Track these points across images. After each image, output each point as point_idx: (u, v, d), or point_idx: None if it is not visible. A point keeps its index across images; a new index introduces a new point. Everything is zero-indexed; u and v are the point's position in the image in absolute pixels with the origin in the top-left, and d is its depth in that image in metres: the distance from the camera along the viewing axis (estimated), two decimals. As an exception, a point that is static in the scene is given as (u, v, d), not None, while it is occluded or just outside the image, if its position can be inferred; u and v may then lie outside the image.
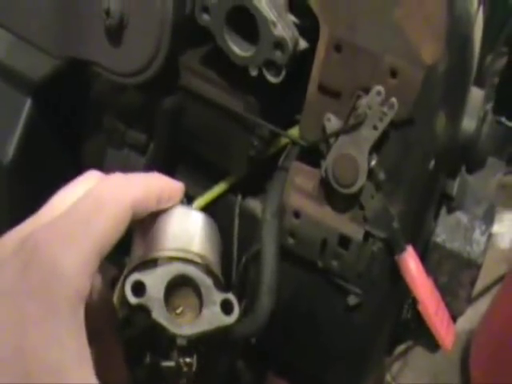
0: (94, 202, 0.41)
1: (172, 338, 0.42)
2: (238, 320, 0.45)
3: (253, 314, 0.56)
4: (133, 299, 0.41)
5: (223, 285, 0.47)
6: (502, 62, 0.90)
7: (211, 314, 0.44)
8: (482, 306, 1.68)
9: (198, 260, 0.46)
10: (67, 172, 0.63)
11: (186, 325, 0.43)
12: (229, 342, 0.50)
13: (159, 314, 0.42)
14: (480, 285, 1.75)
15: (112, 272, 0.58)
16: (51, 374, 0.35)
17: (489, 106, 0.57)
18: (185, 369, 0.42)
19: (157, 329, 0.42)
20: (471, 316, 1.68)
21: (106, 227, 0.40)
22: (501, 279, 1.72)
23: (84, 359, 0.37)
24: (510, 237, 1.76)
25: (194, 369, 0.43)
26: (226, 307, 0.44)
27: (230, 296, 0.45)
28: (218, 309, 0.44)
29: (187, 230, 0.48)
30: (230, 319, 0.44)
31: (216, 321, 0.43)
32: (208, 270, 0.46)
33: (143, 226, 0.47)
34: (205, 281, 0.44)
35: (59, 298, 0.37)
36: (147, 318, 0.42)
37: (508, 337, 1.50)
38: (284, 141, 0.59)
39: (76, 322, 0.37)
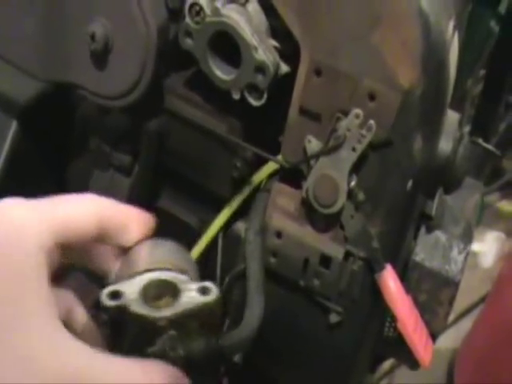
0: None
1: (153, 323, 0.43)
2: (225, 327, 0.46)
3: (244, 323, 0.56)
4: (109, 302, 0.42)
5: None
6: (481, 85, 0.92)
7: (189, 297, 0.45)
8: (466, 325, 1.68)
9: (172, 267, 0.47)
10: (53, 193, 0.64)
11: (164, 309, 0.44)
12: (222, 352, 0.51)
13: (137, 307, 0.43)
14: (464, 304, 1.76)
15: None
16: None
17: (465, 129, 0.58)
18: (171, 353, 0.43)
19: (138, 323, 0.43)
20: (456, 334, 1.69)
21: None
22: (484, 298, 1.73)
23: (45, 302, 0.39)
24: (492, 256, 1.78)
25: (180, 353, 0.44)
26: (204, 290, 0.45)
27: (208, 283, 0.46)
28: (194, 292, 0.45)
29: (160, 251, 0.49)
30: (208, 298, 0.45)
31: (194, 301, 0.45)
32: (182, 271, 0.47)
33: (117, 264, 0.49)
34: (180, 278, 0.46)
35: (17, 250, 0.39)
36: (127, 315, 0.43)
37: (491, 354, 1.51)
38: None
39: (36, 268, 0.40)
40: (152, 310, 0.44)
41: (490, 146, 0.69)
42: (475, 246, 1.79)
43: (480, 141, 0.68)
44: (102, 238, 0.46)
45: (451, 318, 1.70)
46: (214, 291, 0.46)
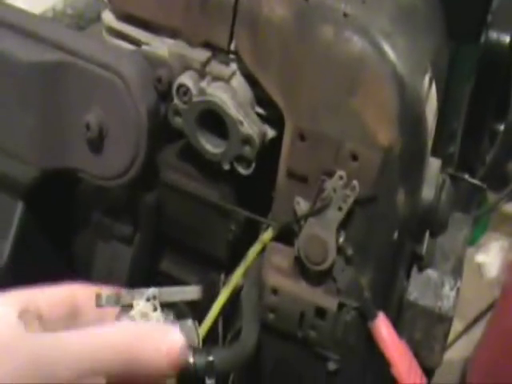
0: None
1: None
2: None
3: (238, 344, 0.57)
4: None
5: None
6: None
7: None
8: (476, 333, 1.70)
9: None
10: (59, 268, 0.67)
11: None
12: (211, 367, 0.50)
13: None
14: (473, 313, 1.78)
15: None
16: None
17: (445, 176, 0.61)
18: None
19: None
20: (467, 344, 1.70)
21: None
22: (492, 306, 1.75)
23: None
24: (496, 266, 1.80)
25: None
26: None
27: None
28: None
29: None
30: None
31: None
32: None
33: None
34: None
35: None
36: None
37: (501, 362, 1.53)
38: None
39: None
40: None
41: (475, 181, 0.72)
42: (480, 257, 1.81)
43: (466, 176, 0.71)
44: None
45: (461, 327, 1.72)
46: None
